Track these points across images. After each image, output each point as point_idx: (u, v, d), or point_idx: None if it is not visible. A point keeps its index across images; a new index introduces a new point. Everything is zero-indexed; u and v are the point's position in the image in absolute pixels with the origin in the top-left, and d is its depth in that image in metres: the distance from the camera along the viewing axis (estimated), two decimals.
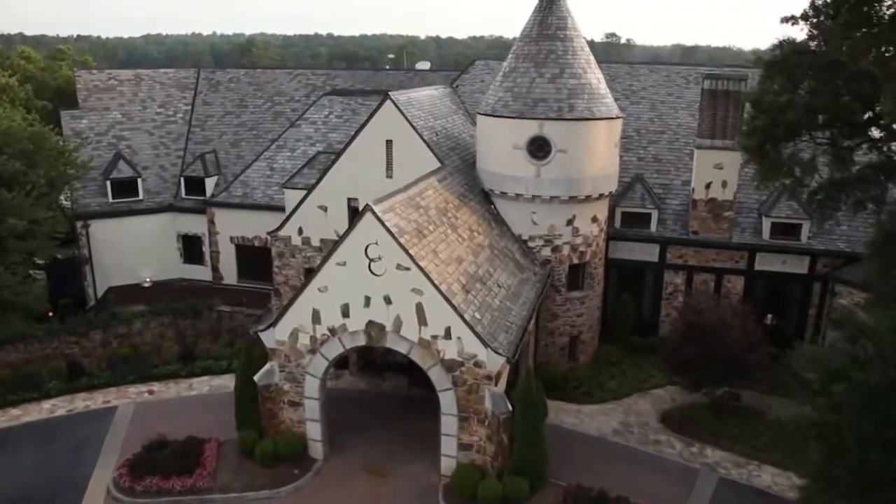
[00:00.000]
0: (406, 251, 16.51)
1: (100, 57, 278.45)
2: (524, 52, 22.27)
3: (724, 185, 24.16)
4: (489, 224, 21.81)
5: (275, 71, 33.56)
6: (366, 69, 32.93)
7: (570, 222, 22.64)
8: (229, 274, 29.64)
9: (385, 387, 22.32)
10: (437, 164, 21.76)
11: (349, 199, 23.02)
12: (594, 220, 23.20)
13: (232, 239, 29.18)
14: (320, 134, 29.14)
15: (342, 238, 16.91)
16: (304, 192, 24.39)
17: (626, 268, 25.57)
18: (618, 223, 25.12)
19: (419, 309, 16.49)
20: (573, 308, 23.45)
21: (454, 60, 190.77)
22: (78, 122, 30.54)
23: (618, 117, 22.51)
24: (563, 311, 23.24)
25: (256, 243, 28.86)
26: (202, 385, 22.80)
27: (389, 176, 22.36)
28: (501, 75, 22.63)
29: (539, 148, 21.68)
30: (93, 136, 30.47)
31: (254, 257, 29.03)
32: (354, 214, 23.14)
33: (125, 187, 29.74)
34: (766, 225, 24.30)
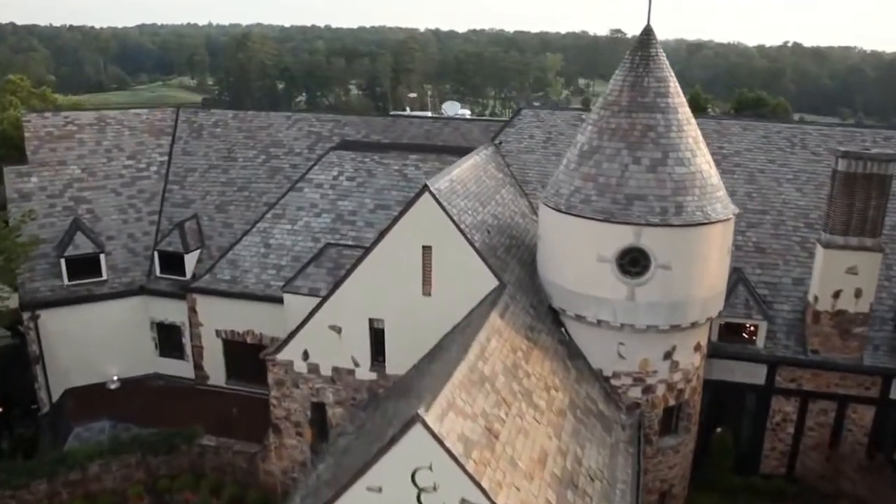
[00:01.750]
0: (477, 482, 10.50)
1: (92, 48, 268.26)
2: (611, 125, 16.02)
3: (858, 294, 18.11)
4: (565, 365, 15.69)
5: (270, 114, 26.72)
6: (382, 116, 26.05)
7: (668, 355, 16.58)
8: (216, 373, 23.43)
9: None
10: (491, 278, 15.67)
11: (372, 320, 16.86)
12: (697, 348, 17.20)
13: (218, 332, 22.93)
14: (328, 201, 22.82)
15: (378, 454, 10.86)
16: (309, 300, 18.27)
17: (723, 391, 19.61)
18: (714, 336, 19.13)
19: None
20: (666, 459, 17.49)
21: (455, 58, 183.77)
22: (25, 182, 23.93)
23: (735, 215, 16.45)
24: (654, 464, 17.29)
25: (249, 339, 22.66)
26: None
27: (427, 293, 16.20)
28: (577, 154, 16.38)
29: (633, 262, 15.56)
30: (44, 198, 24.01)
31: (246, 355, 22.76)
32: (378, 338, 17.12)
33: (85, 266, 23.34)
34: None
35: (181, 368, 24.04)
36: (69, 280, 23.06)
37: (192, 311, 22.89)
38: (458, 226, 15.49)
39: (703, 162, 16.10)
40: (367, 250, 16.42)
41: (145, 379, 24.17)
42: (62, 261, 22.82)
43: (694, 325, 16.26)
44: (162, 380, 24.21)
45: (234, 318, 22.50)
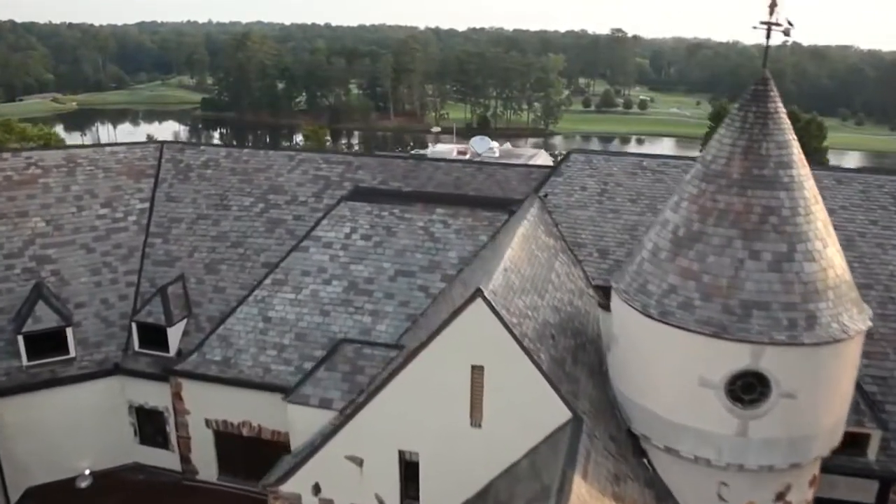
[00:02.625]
0: None
1: (91, 47, 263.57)
2: (718, 204, 12.03)
3: None
4: None
5: (269, 154, 22.27)
6: (401, 156, 21.72)
7: (780, 496, 12.65)
8: (206, 468, 19.41)
9: None
10: (561, 408, 11.72)
11: (403, 452, 12.93)
12: (812, 482, 13.29)
13: (209, 422, 18.93)
14: (339, 265, 18.79)
15: None
16: (320, 413, 14.30)
17: None
18: None
19: None
20: None
21: (456, 58, 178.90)
22: None
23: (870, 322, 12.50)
24: None
25: (245, 431, 18.68)
26: None
27: (476, 423, 12.23)
28: (671, 239, 12.34)
29: (748, 388, 11.63)
30: (0, 259, 19.99)
31: (242, 449, 18.87)
32: (411, 474, 13.13)
33: (48, 342, 19.29)
34: None
35: (166, 459, 20.02)
36: (29, 360, 18.92)
37: (177, 397, 18.85)
38: (519, 342, 11.49)
39: (836, 253, 12.12)
40: (401, 365, 12.37)
41: (123, 471, 20.08)
42: (20, 338, 18.76)
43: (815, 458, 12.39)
44: (143, 472, 20.14)
45: (227, 406, 18.48)
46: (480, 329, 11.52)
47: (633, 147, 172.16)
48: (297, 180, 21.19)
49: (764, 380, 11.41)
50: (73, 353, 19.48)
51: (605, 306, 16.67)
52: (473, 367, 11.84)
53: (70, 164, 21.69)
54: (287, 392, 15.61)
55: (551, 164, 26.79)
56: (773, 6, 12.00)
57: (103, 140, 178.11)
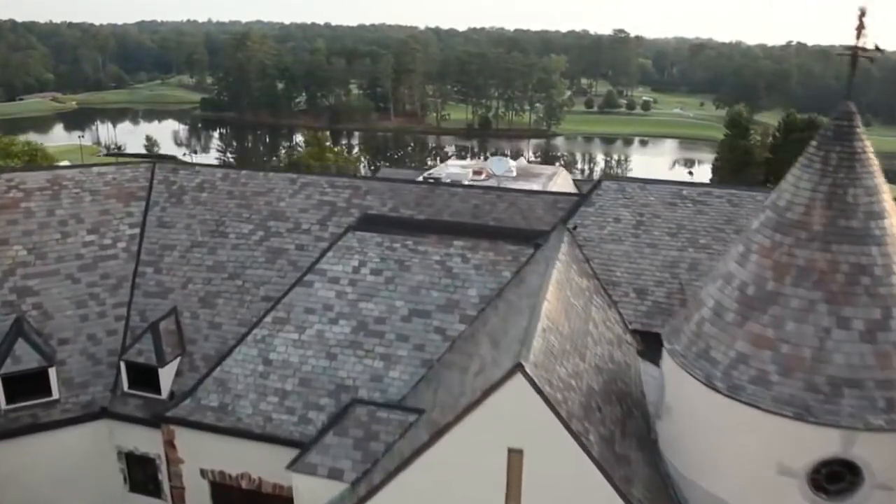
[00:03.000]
0: None
1: (90, 46, 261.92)
2: (796, 260, 10.24)
3: None
4: None
5: (269, 176, 20.23)
6: (415, 183, 19.18)
7: None
8: None
9: None
10: (612, 496, 9.96)
11: None
12: None
13: (204, 473, 17.12)
14: (346, 302, 16.99)
15: None
16: (329, 485, 12.52)
17: None
18: None
19: None
20: None
21: (458, 59, 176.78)
22: None
23: None
24: None
25: (244, 483, 16.89)
26: None
27: None
28: (737, 299, 10.43)
29: (834, 478, 9.91)
30: None
31: (241, 502, 17.14)
32: None
33: (29, 384, 17.54)
34: None
35: None
36: (7, 403, 17.17)
37: (170, 445, 17.05)
38: (566, 424, 9.69)
39: None
40: (426, 444, 10.56)
41: None
42: None
43: None
44: None
45: (224, 456, 16.69)
46: (520, 408, 9.74)
47: (635, 148, 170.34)
48: (300, 206, 19.32)
49: (855, 469, 9.66)
50: (56, 395, 17.67)
51: (646, 355, 14.95)
52: (511, 451, 10.05)
53: (54, 187, 19.84)
54: (292, 449, 13.80)
55: (572, 180, 24.99)
56: (860, 29, 10.22)
57: (102, 139, 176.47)
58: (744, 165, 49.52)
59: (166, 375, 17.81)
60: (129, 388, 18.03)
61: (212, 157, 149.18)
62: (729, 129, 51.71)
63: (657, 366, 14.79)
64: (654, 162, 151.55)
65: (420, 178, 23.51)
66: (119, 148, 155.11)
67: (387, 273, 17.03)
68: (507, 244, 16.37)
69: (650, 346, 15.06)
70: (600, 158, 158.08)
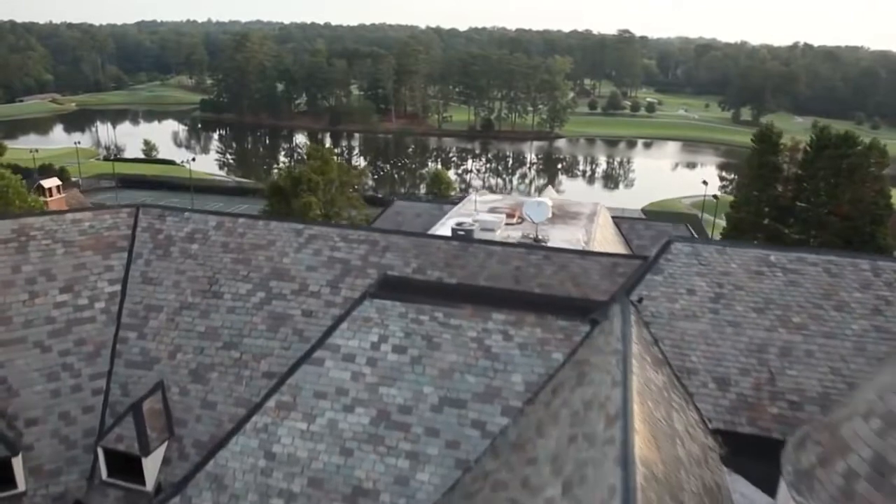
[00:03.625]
0: None
1: (89, 47, 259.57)
2: None
3: None
4: None
5: (271, 225, 17.26)
6: (444, 238, 15.93)
7: None
8: None
9: None
10: None
11: None
12: None
13: None
14: (364, 386, 14.17)
15: None
16: None
17: None
18: None
19: None
20: None
21: (461, 60, 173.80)
22: None
23: None
24: None
25: None
26: None
27: None
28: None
29: None
30: None
31: None
32: None
33: None
34: None
35: None
36: None
37: None
38: None
39: None
40: None
41: None
42: None
43: None
44: None
45: None
46: None
47: (639, 150, 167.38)
48: (308, 263, 16.44)
49: None
50: (22, 487, 14.89)
51: (730, 461, 12.20)
52: None
53: (21, 238, 16.97)
54: None
55: (611, 217, 22.17)
56: None
57: (102, 140, 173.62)
58: (772, 182, 46.73)
59: (152, 463, 15.05)
60: (109, 476, 15.27)
61: (211, 159, 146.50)
62: (757, 144, 48.78)
63: (743, 476, 12.07)
64: (658, 165, 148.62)
65: (448, 216, 20.59)
66: (119, 150, 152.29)
67: (412, 351, 14.21)
68: (558, 319, 13.55)
69: (734, 449, 12.33)
70: (603, 161, 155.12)
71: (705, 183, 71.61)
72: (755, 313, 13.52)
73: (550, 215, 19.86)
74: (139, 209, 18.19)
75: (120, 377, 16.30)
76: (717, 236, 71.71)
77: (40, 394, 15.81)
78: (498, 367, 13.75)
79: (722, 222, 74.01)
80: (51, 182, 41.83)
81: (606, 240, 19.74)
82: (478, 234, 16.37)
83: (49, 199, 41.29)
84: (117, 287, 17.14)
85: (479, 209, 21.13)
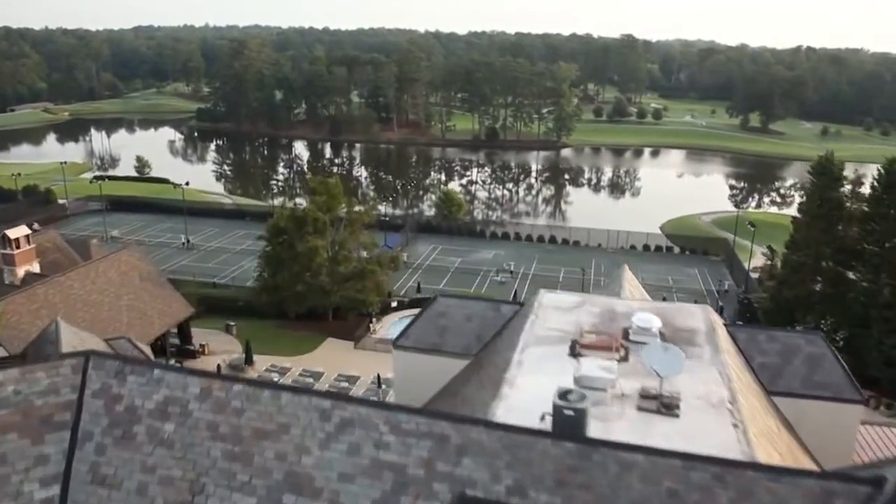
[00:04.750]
0: None
1: (83, 54, 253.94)
2: None
3: None
4: None
5: (282, 398, 10.89)
6: (551, 437, 11.07)
7: None
8: None
9: None
10: None
11: None
12: None
13: None
14: None
15: None
16: None
17: None
18: None
19: None
20: None
21: (464, 67, 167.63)
22: None
23: None
24: None
25: None
26: None
27: None
28: None
29: None
30: None
31: None
32: None
33: None
34: None
35: None
36: None
37: None
38: None
39: None
40: None
41: None
42: None
43: None
44: None
45: None
46: None
47: (645, 158, 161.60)
48: (340, 466, 10.59)
49: None
50: None
51: None
52: None
53: None
54: None
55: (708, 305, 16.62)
56: None
57: (96, 149, 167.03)
58: (835, 221, 41.38)
59: None
60: None
61: (208, 171, 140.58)
62: (816, 177, 43.31)
63: None
64: (670, 176, 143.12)
65: (523, 342, 14.66)
66: (114, 161, 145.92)
67: None
68: None
69: None
70: (611, 172, 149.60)
71: (752, 225, 63.28)
72: None
73: (658, 334, 14.26)
74: (89, 359, 12.42)
75: None
76: (754, 263, 65.24)
77: None
78: None
79: (760, 248, 67.35)
80: (17, 232, 35.90)
81: (740, 378, 14.17)
82: (579, 395, 10.69)
83: (16, 251, 35.44)
84: (53, 491, 11.39)
85: (549, 322, 15.54)
